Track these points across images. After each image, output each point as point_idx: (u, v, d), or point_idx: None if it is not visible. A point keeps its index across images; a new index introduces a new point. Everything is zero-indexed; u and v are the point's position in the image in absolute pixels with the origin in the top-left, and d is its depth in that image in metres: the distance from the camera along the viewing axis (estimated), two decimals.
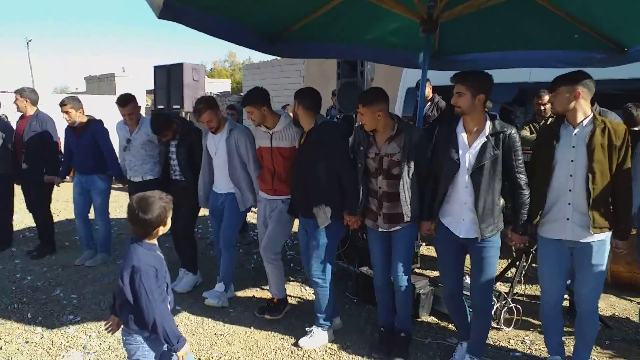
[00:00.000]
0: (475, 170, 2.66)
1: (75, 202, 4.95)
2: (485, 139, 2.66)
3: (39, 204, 5.16)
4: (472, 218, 2.72)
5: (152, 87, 10.53)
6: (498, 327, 3.50)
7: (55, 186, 5.09)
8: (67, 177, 5.27)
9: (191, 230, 4.34)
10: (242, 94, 14.61)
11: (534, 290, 4.18)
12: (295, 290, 4.29)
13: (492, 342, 3.35)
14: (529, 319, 3.63)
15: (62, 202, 7.85)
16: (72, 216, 5.30)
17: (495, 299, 3.54)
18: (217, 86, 25.72)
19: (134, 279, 2.04)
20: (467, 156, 2.70)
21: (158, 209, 2.08)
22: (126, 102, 4.45)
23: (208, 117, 3.68)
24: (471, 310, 3.00)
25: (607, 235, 2.66)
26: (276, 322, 3.65)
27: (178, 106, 9.74)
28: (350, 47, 4.07)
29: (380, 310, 3.33)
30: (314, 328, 3.35)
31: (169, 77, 9.86)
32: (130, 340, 2.17)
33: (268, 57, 16.81)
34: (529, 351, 3.26)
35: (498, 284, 3.71)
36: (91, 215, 5.04)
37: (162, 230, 2.15)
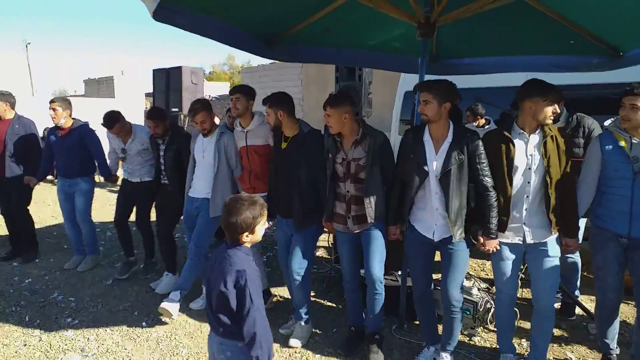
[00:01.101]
0: (442, 175, 2.73)
1: (62, 207, 4.91)
2: (450, 146, 2.73)
3: (21, 207, 5.08)
4: (445, 222, 2.79)
5: (151, 90, 10.54)
6: (495, 330, 3.50)
7: (33, 188, 5.00)
8: (50, 177, 5.15)
9: (170, 232, 4.38)
10: None
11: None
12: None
13: (489, 345, 3.37)
14: (526, 322, 3.64)
15: None
16: None
17: (492, 302, 3.56)
18: (215, 89, 25.75)
19: (238, 283, 1.92)
20: (435, 164, 2.77)
21: (242, 214, 1.97)
22: (111, 124, 4.36)
23: (202, 117, 3.78)
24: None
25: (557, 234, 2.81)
26: (272, 325, 3.63)
27: (177, 109, 9.74)
28: (349, 53, 4.08)
29: (349, 310, 3.39)
30: (297, 324, 3.44)
31: (167, 80, 9.87)
32: (226, 346, 2.05)
33: (267, 61, 16.86)
34: (526, 354, 3.27)
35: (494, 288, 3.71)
36: None
37: (247, 237, 2.02)
